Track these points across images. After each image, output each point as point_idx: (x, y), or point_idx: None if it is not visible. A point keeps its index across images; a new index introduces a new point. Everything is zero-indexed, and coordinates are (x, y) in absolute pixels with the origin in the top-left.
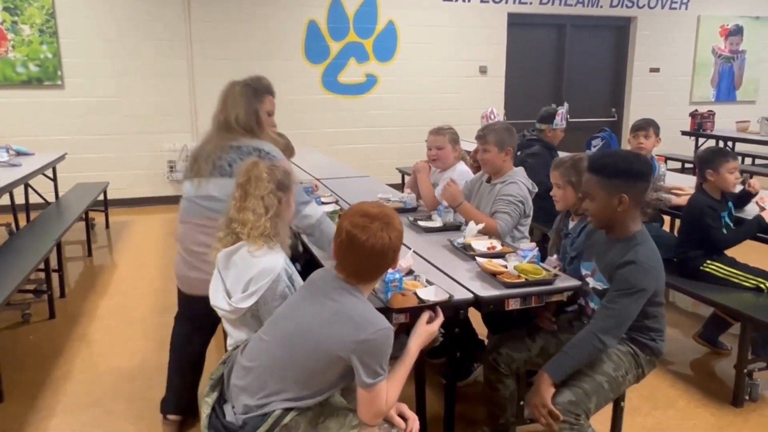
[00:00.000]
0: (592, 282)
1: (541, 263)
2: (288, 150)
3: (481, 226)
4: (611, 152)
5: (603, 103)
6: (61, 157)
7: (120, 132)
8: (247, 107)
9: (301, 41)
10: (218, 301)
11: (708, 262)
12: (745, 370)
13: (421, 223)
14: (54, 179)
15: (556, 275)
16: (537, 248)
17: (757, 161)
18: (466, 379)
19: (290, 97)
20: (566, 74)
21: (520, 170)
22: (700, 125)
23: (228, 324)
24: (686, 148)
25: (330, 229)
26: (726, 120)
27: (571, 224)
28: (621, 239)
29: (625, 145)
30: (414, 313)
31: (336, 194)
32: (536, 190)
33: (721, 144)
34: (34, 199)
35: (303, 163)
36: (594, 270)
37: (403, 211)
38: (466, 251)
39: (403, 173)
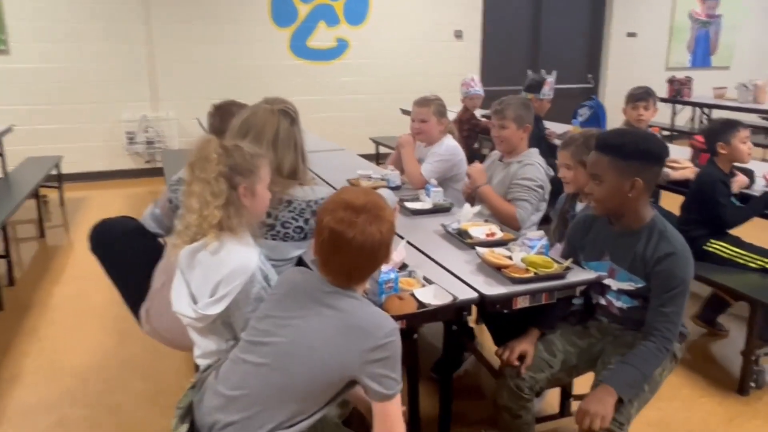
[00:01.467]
0: (614, 284)
1: (549, 254)
2: None
3: (477, 208)
4: (625, 130)
5: (579, 68)
6: (7, 130)
7: (74, 101)
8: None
9: (268, 2)
10: (182, 307)
11: (712, 240)
12: (753, 357)
13: (409, 205)
14: (0, 153)
15: (568, 268)
16: (546, 237)
17: None
18: (457, 371)
19: (256, 63)
20: (543, 39)
21: (535, 151)
22: (678, 92)
23: (194, 333)
24: (664, 115)
25: None
26: (702, 86)
27: (579, 206)
28: (636, 229)
29: (616, 115)
30: (413, 319)
31: (311, 171)
32: (552, 173)
33: (698, 111)
34: None
35: None
36: (612, 269)
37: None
38: (462, 238)
39: (377, 143)
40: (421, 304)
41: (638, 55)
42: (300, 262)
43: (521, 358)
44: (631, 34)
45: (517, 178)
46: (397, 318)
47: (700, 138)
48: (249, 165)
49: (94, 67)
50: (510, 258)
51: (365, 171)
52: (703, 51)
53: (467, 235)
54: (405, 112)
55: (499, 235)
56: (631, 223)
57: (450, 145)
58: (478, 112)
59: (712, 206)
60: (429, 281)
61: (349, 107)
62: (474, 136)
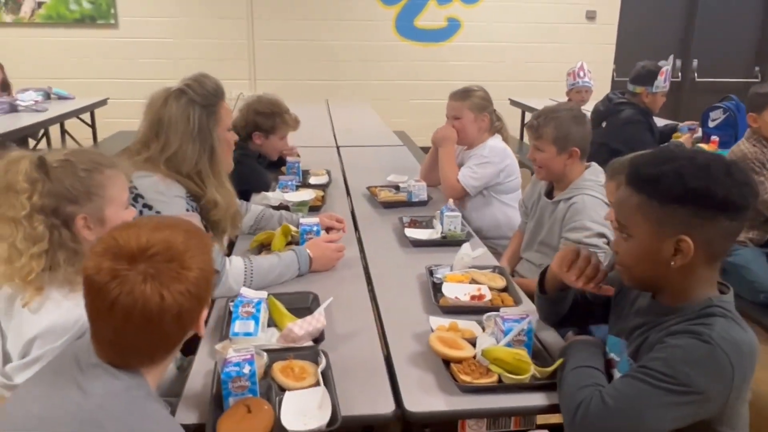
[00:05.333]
0: (616, 374)
1: (532, 343)
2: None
3: (479, 252)
4: (673, 152)
5: (744, 59)
6: (102, 102)
7: (171, 77)
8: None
9: None
10: None
11: None
12: None
13: (408, 233)
14: (92, 125)
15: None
16: (530, 318)
17: None
18: None
19: (357, 43)
20: (699, 21)
21: (592, 170)
22: None
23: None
24: None
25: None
26: None
27: None
28: (674, 306)
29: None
30: None
31: (342, 168)
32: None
33: None
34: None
35: (337, 121)
36: (623, 350)
37: (405, 205)
38: (437, 295)
39: None
40: (278, 427)
41: None
42: None
43: None
44: None
45: (568, 229)
46: None
47: None
48: (85, 186)
49: (196, 43)
50: (474, 344)
51: (399, 177)
52: None
53: (441, 293)
54: (514, 103)
55: (488, 298)
56: (673, 300)
57: (495, 146)
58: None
59: None
60: (326, 378)
61: None
62: None
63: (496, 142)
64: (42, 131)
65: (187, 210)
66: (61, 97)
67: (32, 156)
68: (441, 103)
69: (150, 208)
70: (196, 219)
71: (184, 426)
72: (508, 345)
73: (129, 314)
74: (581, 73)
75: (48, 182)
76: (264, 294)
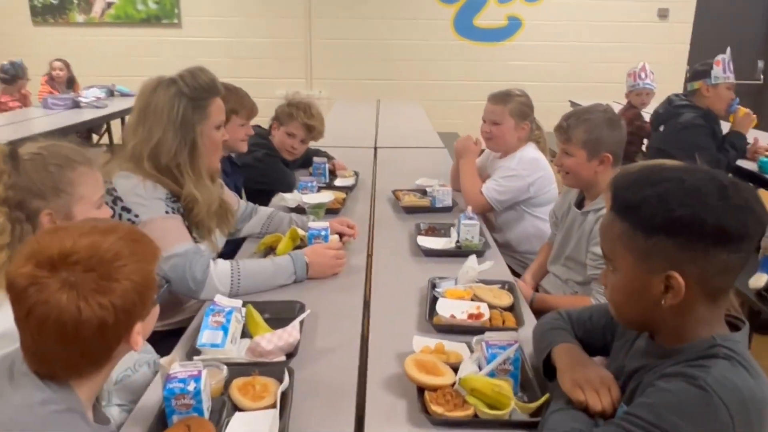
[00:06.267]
0: None
1: (519, 373)
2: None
3: (486, 265)
4: (666, 170)
5: None
6: None
7: (231, 75)
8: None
9: None
10: None
11: None
12: None
13: (421, 241)
14: None
15: (540, 409)
16: (518, 345)
17: None
18: None
19: (414, 42)
20: None
21: None
22: None
23: None
24: None
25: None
26: None
27: None
28: (673, 348)
29: None
30: None
31: (374, 169)
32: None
33: None
34: None
35: (382, 121)
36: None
37: (428, 210)
38: (432, 311)
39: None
40: None
41: None
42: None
43: None
44: None
45: (594, 242)
46: None
47: None
48: (53, 180)
49: (255, 42)
50: (456, 370)
51: (428, 181)
52: None
53: (435, 309)
54: (575, 105)
55: (487, 316)
56: (670, 341)
57: (526, 158)
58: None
59: None
60: (285, 400)
61: None
62: (637, 143)
63: (527, 152)
64: (104, 126)
65: (167, 213)
66: (123, 94)
67: (3, 147)
68: None
69: (129, 211)
70: (177, 221)
71: None
72: (491, 374)
73: (43, 324)
74: (642, 74)
75: (15, 174)
76: (238, 303)
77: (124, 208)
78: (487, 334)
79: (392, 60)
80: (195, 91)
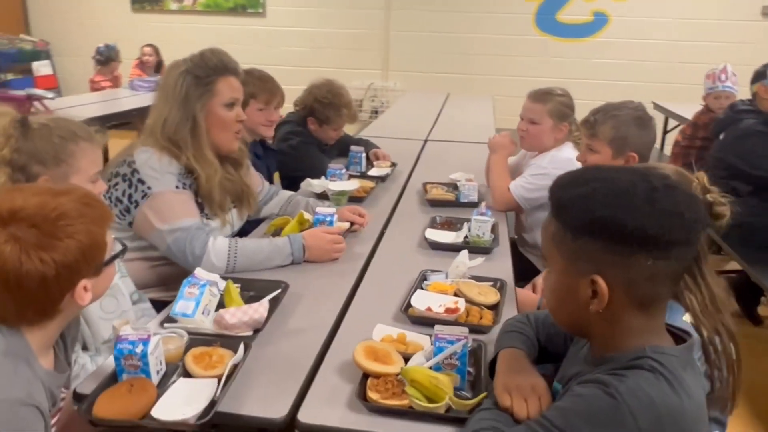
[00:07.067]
0: None
1: (466, 369)
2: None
3: (478, 261)
4: (602, 170)
5: None
6: None
7: (311, 65)
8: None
9: None
10: None
11: None
12: None
13: (429, 234)
14: None
15: (476, 407)
16: (469, 340)
17: None
18: None
19: (494, 37)
20: None
21: None
22: None
23: None
24: None
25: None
26: None
27: None
28: (608, 357)
29: None
30: None
31: (416, 161)
32: None
33: None
34: None
35: (444, 115)
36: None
37: (453, 205)
38: (407, 304)
39: None
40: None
41: None
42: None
43: None
44: None
45: None
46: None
47: None
48: (55, 150)
49: (334, 33)
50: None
51: (464, 175)
52: None
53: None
54: (658, 107)
55: (462, 309)
56: (602, 348)
57: (560, 157)
58: None
59: None
60: (232, 372)
61: (594, 94)
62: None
63: (562, 152)
64: None
65: (177, 187)
66: None
67: (15, 113)
68: (578, 105)
69: (143, 183)
70: (185, 196)
71: (76, 394)
72: (437, 368)
73: None
74: (723, 76)
75: (23, 140)
76: (216, 277)
77: (139, 180)
78: (438, 327)
79: (468, 54)
80: (200, 69)
